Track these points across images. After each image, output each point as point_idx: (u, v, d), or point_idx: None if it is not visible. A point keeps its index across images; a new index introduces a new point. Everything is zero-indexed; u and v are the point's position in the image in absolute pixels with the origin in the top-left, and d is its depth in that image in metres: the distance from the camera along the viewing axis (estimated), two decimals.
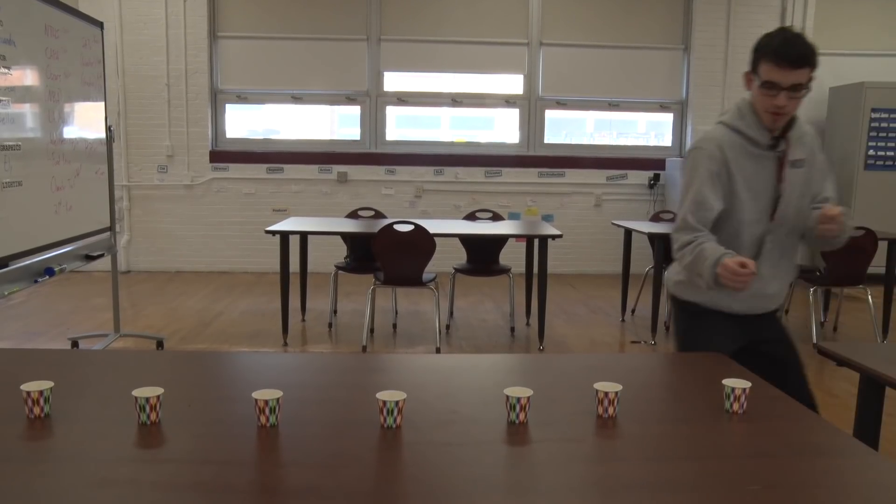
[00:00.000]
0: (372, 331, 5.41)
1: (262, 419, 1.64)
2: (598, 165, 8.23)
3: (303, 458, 1.50)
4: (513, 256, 6.47)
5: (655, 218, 6.44)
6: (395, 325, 5.76)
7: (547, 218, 8.17)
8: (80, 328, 5.55)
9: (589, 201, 8.25)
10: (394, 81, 8.11)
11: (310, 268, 6.03)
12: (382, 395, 1.66)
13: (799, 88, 2.25)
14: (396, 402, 1.64)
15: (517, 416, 1.70)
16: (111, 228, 5.08)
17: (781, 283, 2.51)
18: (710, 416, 1.78)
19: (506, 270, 5.66)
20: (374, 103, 8.05)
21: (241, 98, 8.03)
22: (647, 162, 8.27)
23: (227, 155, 7.90)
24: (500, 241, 5.79)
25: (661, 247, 5.42)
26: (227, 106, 8.05)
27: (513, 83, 8.20)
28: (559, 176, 8.19)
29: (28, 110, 3.90)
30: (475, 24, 8.02)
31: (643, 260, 7.17)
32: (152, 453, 1.51)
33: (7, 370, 2.04)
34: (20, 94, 3.81)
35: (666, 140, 8.48)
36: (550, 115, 8.26)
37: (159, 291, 6.96)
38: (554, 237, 5.12)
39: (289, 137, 8.18)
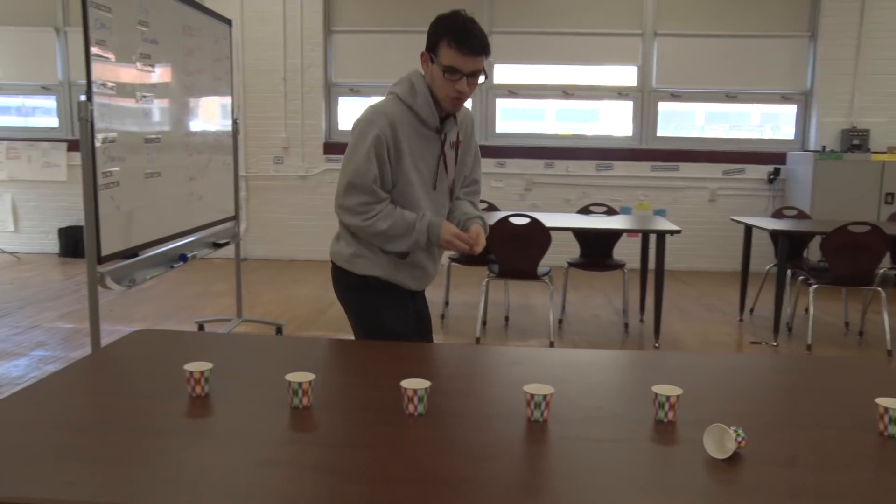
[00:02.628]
0: (484, 323, 5.42)
1: (411, 408, 1.66)
2: (712, 159, 7.97)
3: (453, 447, 1.52)
4: (624, 251, 6.35)
5: (778, 214, 6.19)
6: (507, 318, 5.76)
7: (659, 212, 7.99)
8: (205, 312, 5.80)
9: (703, 196, 8.00)
10: (502, 74, 8.08)
11: None
12: (529, 389, 1.66)
13: (477, 74, 2.28)
14: (544, 396, 1.64)
15: (666, 414, 1.66)
16: (235, 217, 5.28)
17: (438, 259, 2.59)
18: (857, 429, 1.69)
19: (620, 266, 5.56)
20: (484, 96, 8.05)
21: (354, 91, 8.19)
22: (765, 156, 7.95)
23: (340, 146, 8.06)
24: (614, 235, 5.70)
25: (786, 244, 5.20)
26: (340, 98, 8.23)
27: (624, 75, 8.04)
28: (672, 170, 7.98)
29: (167, 105, 4.10)
30: (587, 15, 7.90)
31: (762, 257, 6.91)
32: (307, 437, 1.56)
33: (169, 350, 2.15)
34: (161, 90, 4.00)
35: (785, 132, 8.13)
36: (660, 107, 8.05)
37: (275, 279, 7.19)
38: (672, 233, 5.00)
39: None
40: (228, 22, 5.11)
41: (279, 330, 5.27)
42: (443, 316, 5.80)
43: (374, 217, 2.31)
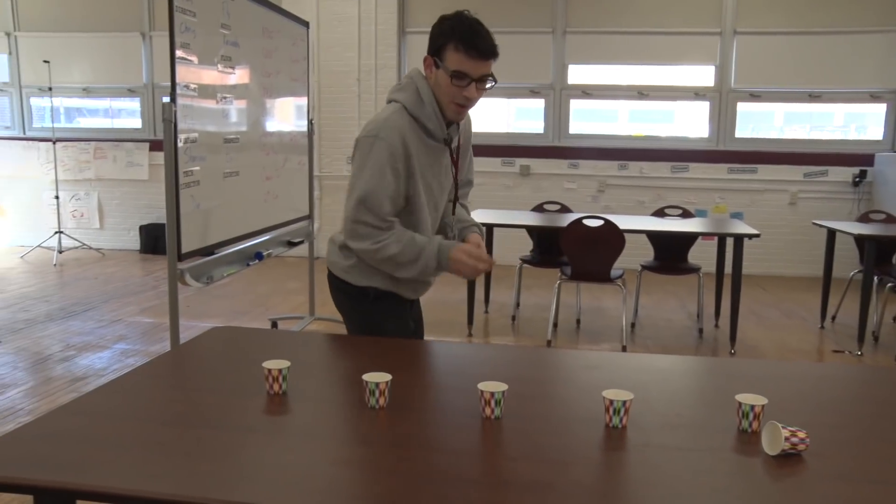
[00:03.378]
0: (555, 325, 5.37)
1: (487, 411, 1.65)
2: (793, 161, 7.71)
3: (531, 452, 1.49)
4: (700, 255, 6.20)
5: (864, 218, 5.94)
6: (578, 321, 5.69)
7: (736, 216, 7.77)
8: (278, 310, 5.90)
9: (783, 199, 7.75)
10: (576, 74, 7.99)
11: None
12: (609, 394, 1.63)
13: (486, 79, 2.17)
14: (623, 403, 1.60)
15: (749, 424, 1.60)
16: (310, 216, 5.36)
17: None
18: None
19: (695, 269, 5.43)
20: (557, 96, 7.98)
21: None
22: (850, 157, 7.65)
23: None
24: (689, 238, 5.57)
25: (873, 249, 4.99)
26: None
27: (701, 74, 7.85)
28: (750, 172, 7.75)
29: (245, 106, 4.19)
30: (664, 15, 7.74)
31: (845, 263, 6.65)
32: (384, 437, 1.56)
33: (246, 347, 2.19)
34: (240, 91, 4.09)
35: (872, 133, 7.80)
36: (738, 107, 7.82)
37: None
38: (750, 236, 4.85)
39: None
40: (306, 24, 5.19)
41: None
42: (514, 318, 5.77)
43: (383, 241, 2.19)
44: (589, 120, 8.13)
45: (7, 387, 4.09)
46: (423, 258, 2.21)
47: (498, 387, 1.66)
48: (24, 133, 9.03)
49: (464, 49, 2.11)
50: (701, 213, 7.71)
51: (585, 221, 4.78)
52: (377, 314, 2.39)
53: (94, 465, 1.40)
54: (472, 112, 2.37)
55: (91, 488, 1.33)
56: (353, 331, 2.44)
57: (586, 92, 7.96)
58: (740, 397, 1.63)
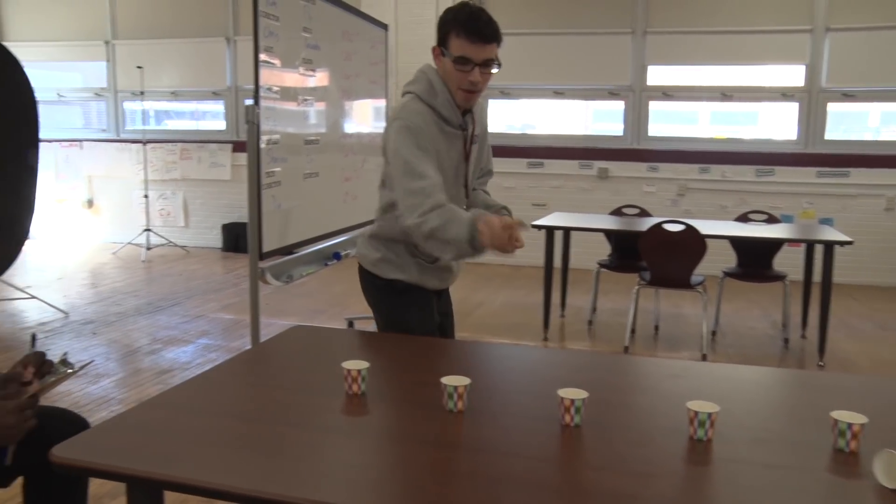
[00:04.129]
0: (633, 331, 5.27)
1: (567, 418, 1.62)
2: (890, 164, 7.36)
3: (613, 462, 1.46)
4: (785, 262, 5.98)
5: None
6: (657, 328, 5.57)
7: (825, 221, 7.47)
8: (354, 309, 5.97)
9: (878, 204, 7.41)
10: (656, 76, 7.84)
11: (570, 264, 6.00)
12: (693, 406, 1.58)
13: (490, 64, 2.22)
14: (709, 415, 1.55)
15: (847, 443, 1.53)
16: None
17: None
18: None
19: (780, 277, 5.24)
20: (637, 98, 7.84)
21: (504, 93, 8.19)
22: None
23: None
24: (775, 245, 5.38)
25: None
26: (491, 101, 8.25)
27: (789, 74, 7.58)
28: (842, 176, 7.44)
29: (325, 108, 4.25)
30: (751, 13, 7.50)
31: None
32: (462, 441, 1.55)
33: (325, 347, 2.21)
34: (320, 93, 4.15)
35: None
36: (829, 108, 7.52)
37: None
38: (842, 243, 4.65)
39: (545, 132, 8.22)
40: (384, 27, 5.24)
41: None
42: (590, 322, 5.69)
43: (428, 213, 2.14)
44: (669, 122, 7.96)
45: (101, 377, 4.26)
46: (455, 230, 2.12)
47: (578, 394, 1.63)
48: (118, 135, 9.41)
49: (465, 34, 2.19)
50: (787, 219, 7.44)
51: (665, 226, 4.68)
52: (403, 307, 2.47)
53: (182, 457, 1.44)
54: (491, 106, 2.46)
55: (179, 480, 1.36)
56: (381, 324, 2.53)
57: (667, 93, 7.79)
58: (836, 414, 1.55)
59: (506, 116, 8.38)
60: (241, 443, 1.52)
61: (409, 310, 2.46)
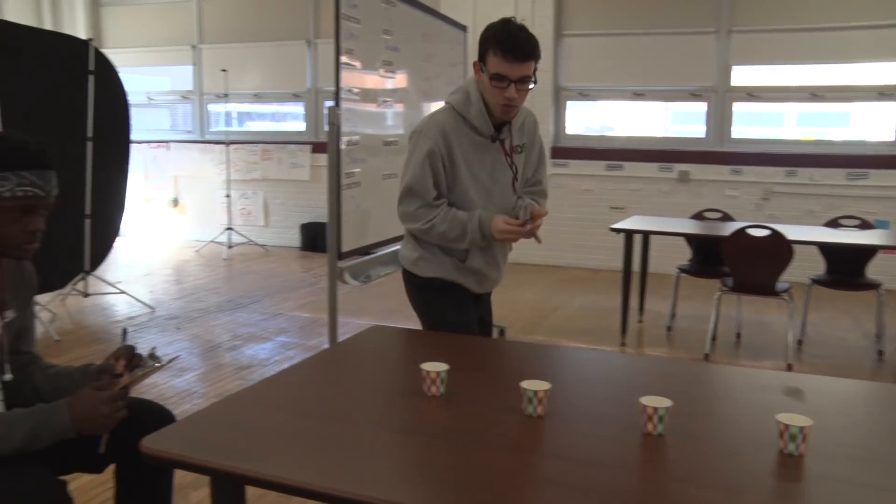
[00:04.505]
0: (714, 338, 5.12)
1: (650, 426, 1.58)
2: None
3: (698, 474, 1.41)
4: (880, 270, 5.72)
5: None
6: (738, 335, 5.41)
7: None
8: None
9: None
10: (741, 76, 7.61)
11: (649, 268, 5.88)
12: (783, 418, 1.51)
13: (526, 80, 2.28)
14: (801, 429, 1.48)
15: None
16: None
17: (504, 265, 2.67)
18: None
19: (874, 286, 5.01)
20: (720, 99, 7.63)
21: (584, 95, 8.10)
22: None
23: (568, 151, 8.01)
24: (868, 252, 5.14)
25: None
26: (569, 103, 8.17)
27: (886, 72, 7.24)
28: None
29: (403, 109, 4.28)
30: (842, 8, 7.20)
31: None
32: (542, 447, 1.53)
33: (403, 347, 2.22)
34: (399, 95, 4.18)
35: None
36: None
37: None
38: None
39: (624, 134, 8.09)
40: (464, 28, 5.24)
41: (502, 332, 5.32)
42: (669, 328, 5.56)
43: (431, 221, 2.40)
44: (752, 124, 7.73)
45: (185, 370, 4.39)
46: (469, 232, 2.39)
47: (661, 402, 1.58)
48: (202, 136, 9.71)
49: (501, 52, 2.24)
50: (882, 224, 7.11)
51: (750, 231, 4.53)
52: (441, 305, 2.54)
53: (264, 453, 1.46)
54: (538, 114, 2.62)
55: (261, 476, 1.38)
56: (423, 323, 2.59)
57: (751, 94, 7.56)
58: None
59: (584, 118, 8.28)
60: (322, 441, 1.53)
61: (448, 308, 2.54)
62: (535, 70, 2.31)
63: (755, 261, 4.53)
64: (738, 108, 7.63)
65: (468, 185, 2.43)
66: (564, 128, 8.20)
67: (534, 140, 2.59)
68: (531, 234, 2.39)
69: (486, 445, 1.53)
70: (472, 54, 8.26)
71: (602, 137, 8.14)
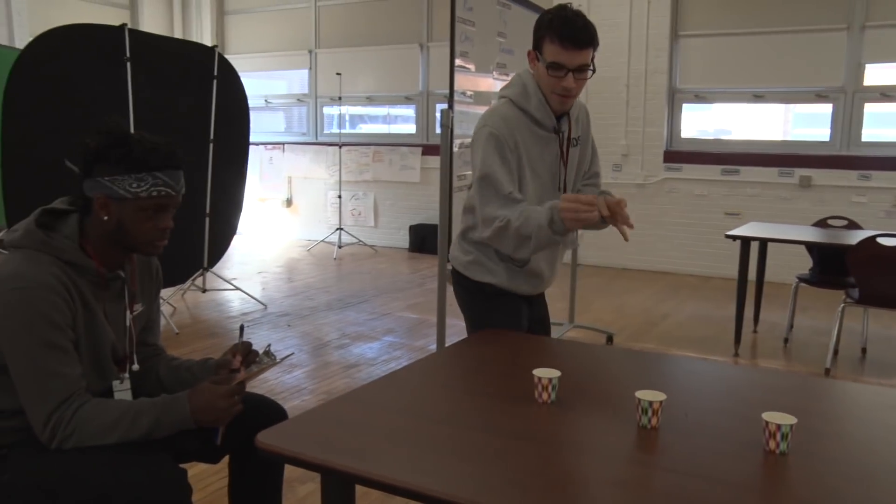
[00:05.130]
0: (836, 352, 4.86)
1: (772, 444, 1.50)
2: None
3: (826, 499, 1.33)
4: None
5: None
6: (864, 350, 5.10)
7: None
8: None
9: None
10: (874, 75, 7.17)
11: (766, 276, 5.63)
12: None
13: (584, 69, 2.20)
14: None
15: None
16: None
17: (557, 264, 2.57)
18: None
19: None
20: (849, 100, 7.22)
21: (699, 97, 7.85)
22: None
23: (681, 155, 7.79)
24: None
25: None
26: (684, 105, 7.94)
27: None
28: None
29: None
30: None
31: None
32: (656, 460, 1.48)
33: (512, 351, 2.20)
34: None
35: None
36: None
37: (606, 287, 7.16)
38: None
39: (741, 137, 7.78)
40: None
41: (610, 339, 5.23)
42: (786, 340, 5.31)
43: (507, 218, 2.21)
44: (884, 126, 7.28)
45: (295, 367, 4.52)
46: (534, 218, 2.17)
47: (785, 419, 1.50)
48: (316, 138, 10.00)
49: (558, 40, 2.16)
50: None
51: (880, 240, 4.27)
52: (489, 311, 2.49)
53: (373, 454, 1.47)
54: (590, 107, 2.51)
55: (370, 476, 1.39)
56: (469, 326, 2.55)
57: (886, 94, 7.12)
58: None
59: (698, 121, 8.02)
60: (432, 444, 1.53)
61: (495, 315, 2.48)
62: (594, 59, 2.23)
63: (885, 271, 4.27)
64: (869, 108, 7.21)
65: (528, 182, 2.33)
66: (679, 131, 7.97)
67: (588, 132, 2.53)
68: (610, 221, 2.19)
69: (597, 455, 1.49)
70: None
71: (717, 141, 7.87)
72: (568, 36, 2.16)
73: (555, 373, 1.75)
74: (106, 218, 1.76)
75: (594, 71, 2.25)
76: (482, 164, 2.27)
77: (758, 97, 7.58)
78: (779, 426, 1.48)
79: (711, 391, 1.91)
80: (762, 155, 7.47)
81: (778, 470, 1.43)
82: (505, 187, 2.24)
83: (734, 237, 4.86)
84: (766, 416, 1.52)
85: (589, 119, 2.55)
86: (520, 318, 2.52)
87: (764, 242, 5.35)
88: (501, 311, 2.48)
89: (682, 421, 1.66)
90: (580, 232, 7.97)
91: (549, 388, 1.74)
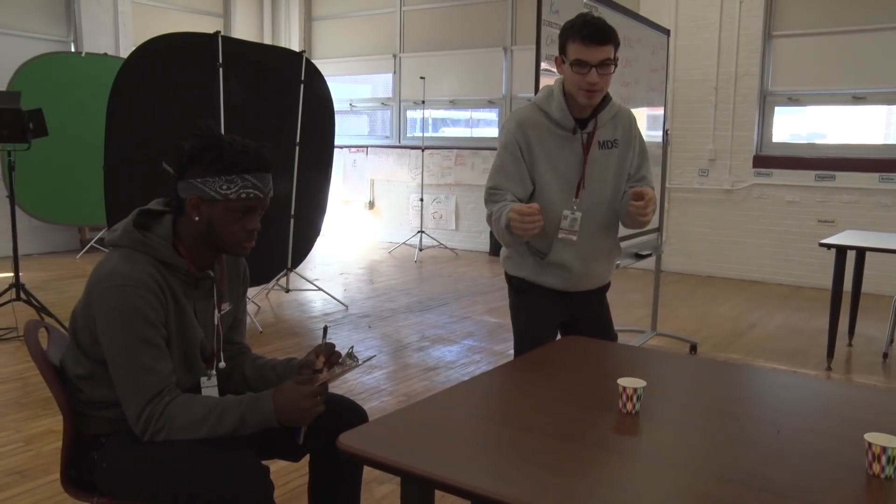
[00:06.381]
0: None
1: (876, 468, 1.41)
2: None
3: None
4: None
5: None
6: None
7: None
8: (620, 321, 5.79)
9: None
10: None
11: (863, 288, 5.38)
12: None
13: (607, 64, 2.32)
14: None
15: None
16: (659, 229, 5.21)
17: (603, 262, 2.62)
18: None
19: None
20: None
21: (793, 100, 7.56)
22: None
23: (772, 160, 7.52)
24: None
25: None
26: (777, 108, 7.66)
27: None
28: None
29: None
30: None
31: None
32: (748, 478, 1.41)
33: (596, 359, 2.16)
34: None
35: None
36: None
37: (690, 294, 6.97)
38: None
39: (838, 141, 7.45)
40: (667, 32, 5.06)
41: (693, 348, 5.08)
42: (885, 355, 5.05)
43: (494, 209, 2.44)
44: None
45: (374, 368, 4.56)
46: (502, 219, 2.35)
47: (891, 441, 1.41)
48: (399, 142, 10.09)
49: (580, 39, 2.30)
50: None
51: None
52: (516, 305, 2.65)
53: (454, 459, 1.46)
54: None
55: (451, 482, 1.38)
56: (512, 323, 2.69)
57: None
58: None
59: (790, 125, 7.73)
60: (513, 451, 1.51)
61: (520, 309, 2.63)
62: (615, 57, 2.35)
63: None
64: None
65: (548, 180, 2.46)
66: (770, 135, 7.70)
67: (631, 135, 2.57)
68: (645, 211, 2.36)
69: (683, 470, 1.44)
70: (672, 58, 7.98)
71: (811, 145, 7.56)
72: (589, 34, 2.30)
73: (640, 382, 1.70)
74: (197, 219, 1.81)
75: (616, 66, 2.38)
76: (496, 161, 2.51)
77: (858, 98, 7.25)
78: (884, 448, 1.40)
79: (805, 407, 1.82)
80: (861, 160, 7.14)
81: (883, 496, 1.35)
82: (494, 182, 2.47)
83: (829, 246, 4.65)
84: (869, 437, 1.43)
85: (633, 124, 2.61)
86: (543, 315, 2.59)
87: (861, 252, 5.11)
88: (525, 307, 2.62)
89: (773, 438, 1.59)
90: (665, 237, 7.80)
91: (634, 398, 1.69)
